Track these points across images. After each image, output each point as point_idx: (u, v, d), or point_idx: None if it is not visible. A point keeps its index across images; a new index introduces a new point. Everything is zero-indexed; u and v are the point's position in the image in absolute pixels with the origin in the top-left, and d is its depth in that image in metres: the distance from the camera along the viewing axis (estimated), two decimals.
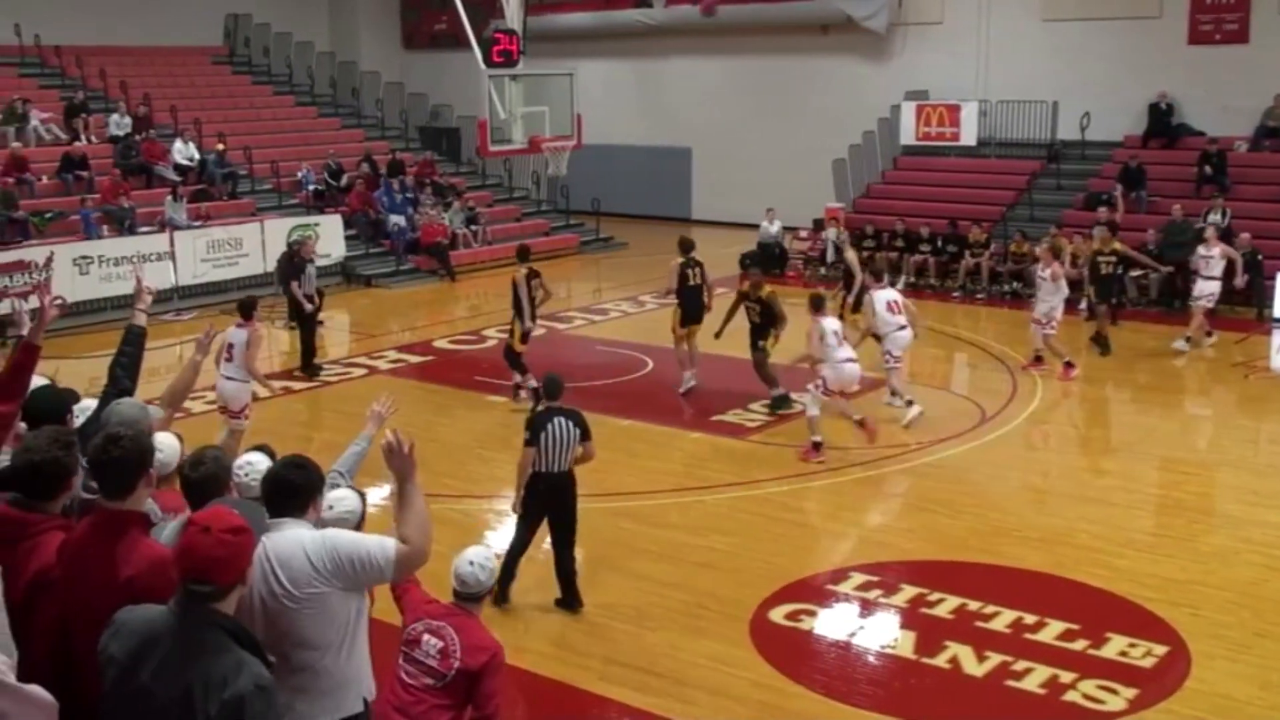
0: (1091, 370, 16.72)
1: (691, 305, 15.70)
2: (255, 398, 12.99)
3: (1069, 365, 16.35)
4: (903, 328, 14.63)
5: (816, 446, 13.03)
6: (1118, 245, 18.01)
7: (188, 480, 5.15)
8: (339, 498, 5.84)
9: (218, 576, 3.82)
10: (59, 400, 5.89)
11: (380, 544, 4.71)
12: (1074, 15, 25.58)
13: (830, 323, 13.35)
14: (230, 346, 12.24)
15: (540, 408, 9.55)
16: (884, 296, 14.82)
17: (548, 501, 9.36)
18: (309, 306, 17.21)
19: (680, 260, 15.80)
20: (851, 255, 17.89)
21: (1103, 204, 22.46)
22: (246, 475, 5.80)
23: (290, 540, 4.66)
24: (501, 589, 9.15)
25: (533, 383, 14.68)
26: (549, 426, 9.17)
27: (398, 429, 4.97)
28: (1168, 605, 9.39)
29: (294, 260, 17.98)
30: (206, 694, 3.72)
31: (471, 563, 5.97)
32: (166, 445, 5.78)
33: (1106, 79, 24.96)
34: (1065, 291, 16.62)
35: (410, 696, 5.66)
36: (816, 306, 13.47)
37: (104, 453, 4.40)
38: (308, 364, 17.27)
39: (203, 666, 3.75)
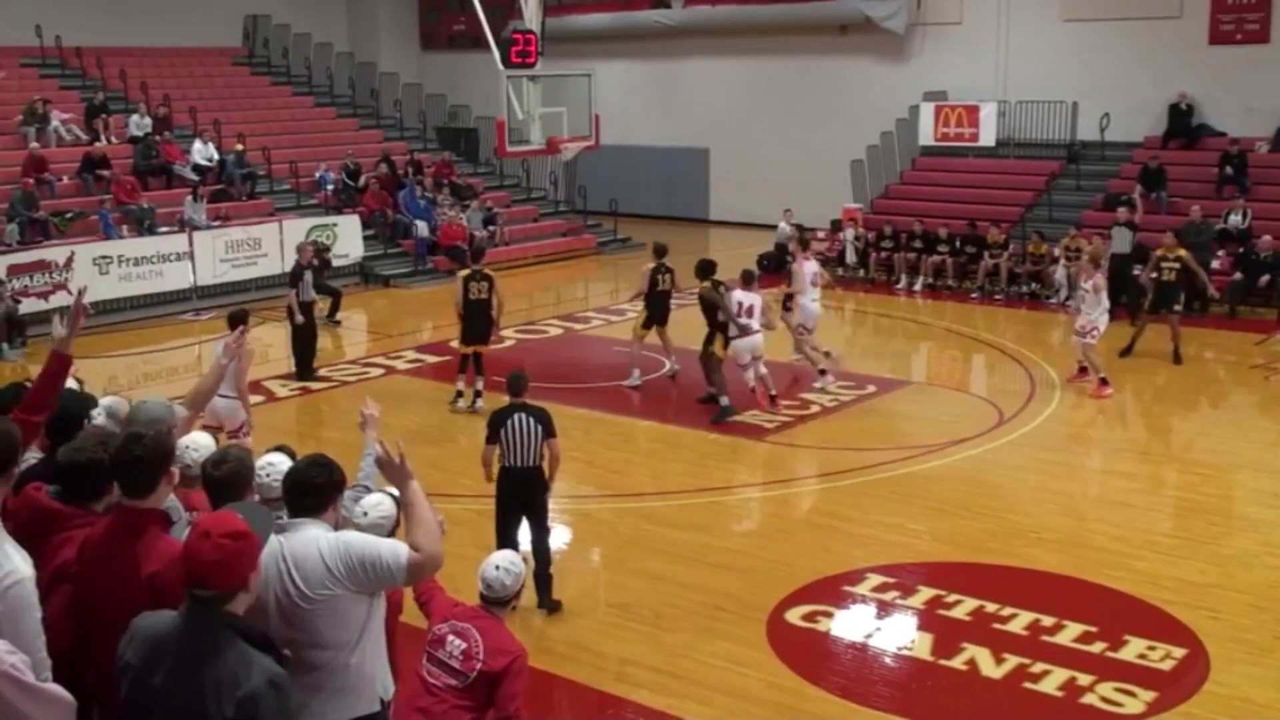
0: (1110, 372, 16.63)
1: (657, 309, 16.21)
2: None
3: (1104, 382, 15.83)
4: (816, 300, 16.21)
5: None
6: (1182, 252, 17.78)
7: (210, 479, 5.17)
8: (375, 503, 5.82)
9: (216, 581, 3.81)
10: (79, 404, 5.95)
11: (393, 548, 4.72)
12: (1094, 15, 25.48)
13: (741, 295, 14.59)
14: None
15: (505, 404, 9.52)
16: (811, 268, 16.36)
17: (515, 496, 9.38)
18: (299, 318, 16.65)
19: (652, 266, 16.21)
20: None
21: (1122, 204, 22.38)
22: (268, 476, 5.80)
23: (306, 541, 4.67)
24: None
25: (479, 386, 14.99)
26: (508, 423, 9.21)
27: (384, 440, 4.97)
28: (1187, 608, 9.35)
29: (295, 266, 17.59)
30: (219, 694, 3.72)
31: (498, 567, 5.99)
32: (203, 445, 5.80)
33: (1126, 79, 24.85)
34: (1107, 304, 16.06)
35: (432, 697, 5.66)
36: (745, 280, 14.87)
37: (125, 451, 4.44)
38: (304, 370, 16.88)
39: (213, 667, 3.75)
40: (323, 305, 20.68)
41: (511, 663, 5.71)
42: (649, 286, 16.08)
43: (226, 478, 5.11)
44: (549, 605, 9.33)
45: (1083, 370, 16.27)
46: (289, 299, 16.93)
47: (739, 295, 14.66)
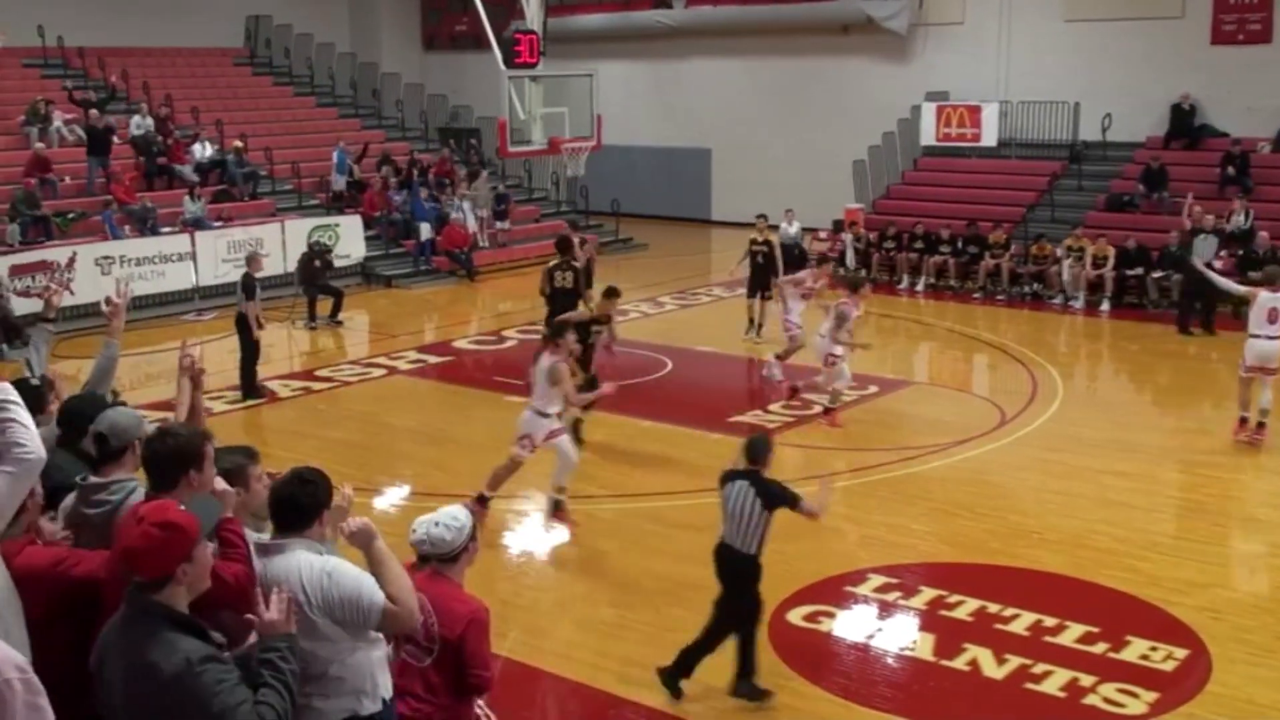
0: (1111, 372, 16.64)
1: (558, 308, 15.25)
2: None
3: (1244, 421, 13.81)
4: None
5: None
6: None
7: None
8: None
9: (138, 567, 3.88)
10: (91, 406, 5.89)
11: (372, 593, 4.68)
12: (1096, 15, 25.47)
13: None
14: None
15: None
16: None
17: (724, 575, 8.08)
18: (257, 332, 15.77)
19: (552, 263, 15.56)
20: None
21: (1124, 204, 22.34)
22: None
23: (287, 566, 4.68)
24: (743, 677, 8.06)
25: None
26: (725, 488, 7.98)
27: (349, 518, 4.94)
28: (1189, 609, 9.34)
29: (246, 277, 16.14)
30: (150, 679, 3.82)
31: (437, 523, 5.57)
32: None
33: (1129, 79, 24.85)
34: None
35: (407, 680, 5.42)
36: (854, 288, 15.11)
37: (156, 443, 4.57)
38: (252, 388, 15.89)
39: (141, 653, 3.85)
40: (325, 305, 20.73)
41: (468, 625, 5.41)
42: (548, 285, 15.32)
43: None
44: (748, 693, 8.04)
45: (1260, 426, 13.65)
46: (250, 311, 15.68)
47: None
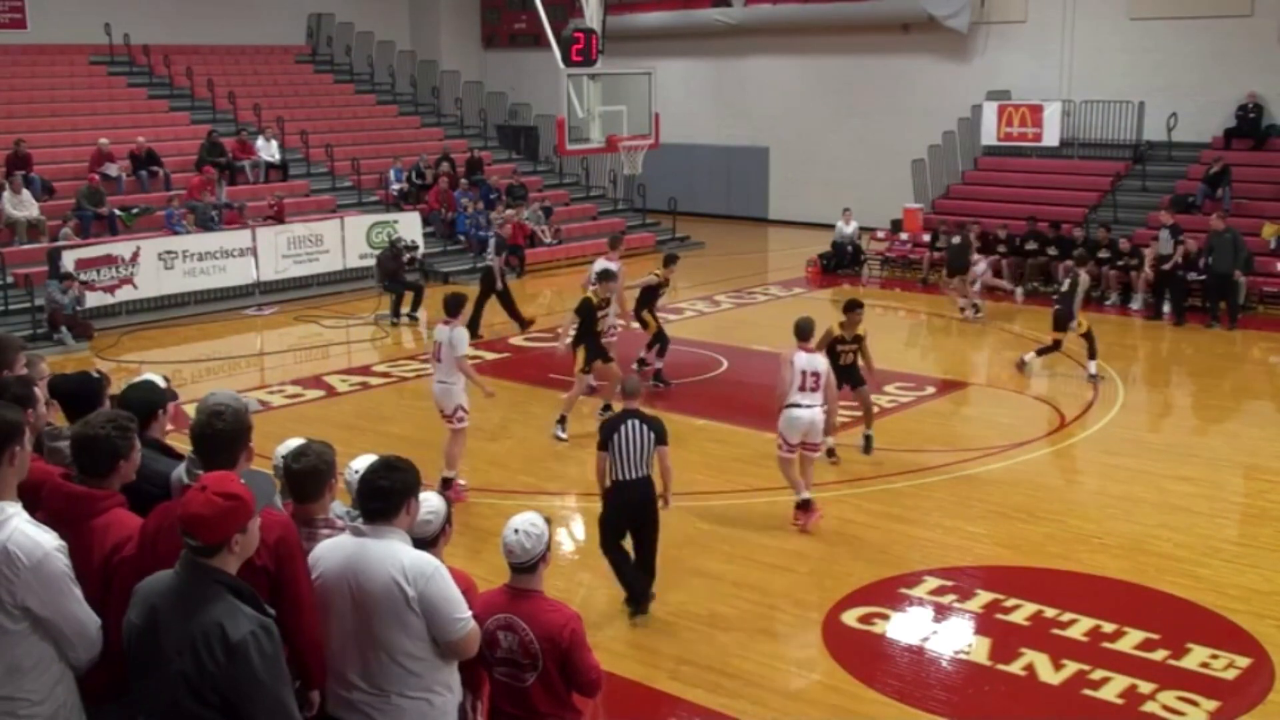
0: (1173, 375, 16.40)
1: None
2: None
3: None
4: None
5: None
6: None
7: (289, 471, 5.09)
8: (423, 497, 5.59)
9: (201, 532, 4.03)
10: (95, 386, 5.96)
11: (466, 611, 4.77)
12: (1162, 13, 25.13)
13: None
14: (438, 346, 11.96)
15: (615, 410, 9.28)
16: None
17: (625, 511, 9.14)
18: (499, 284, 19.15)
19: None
20: None
21: (1188, 206, 22.00)
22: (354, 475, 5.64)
23: (387, 552, 4.67)
24: (634, 601, 9.25)
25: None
26: (620, 429, 8.94)
27: None
28: (1252, 616, 9.20)
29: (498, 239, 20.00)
30: (209, 644, 3.94)
31: (516, 530, 5.46)
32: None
33: (1195, 79, 24.50)
34: None
35: (515, 697, 5.40)
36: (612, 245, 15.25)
37: (208, 426, 4.65)
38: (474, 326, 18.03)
39: (201, 618, 3.98)
40: (382, 303, 20.90)
41: (570, 635, 5.37)
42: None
43: (306, 472, 5.02)
44: (638, 609, 9.25)
45: None
46: (497, 264, 19.23)
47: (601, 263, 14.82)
